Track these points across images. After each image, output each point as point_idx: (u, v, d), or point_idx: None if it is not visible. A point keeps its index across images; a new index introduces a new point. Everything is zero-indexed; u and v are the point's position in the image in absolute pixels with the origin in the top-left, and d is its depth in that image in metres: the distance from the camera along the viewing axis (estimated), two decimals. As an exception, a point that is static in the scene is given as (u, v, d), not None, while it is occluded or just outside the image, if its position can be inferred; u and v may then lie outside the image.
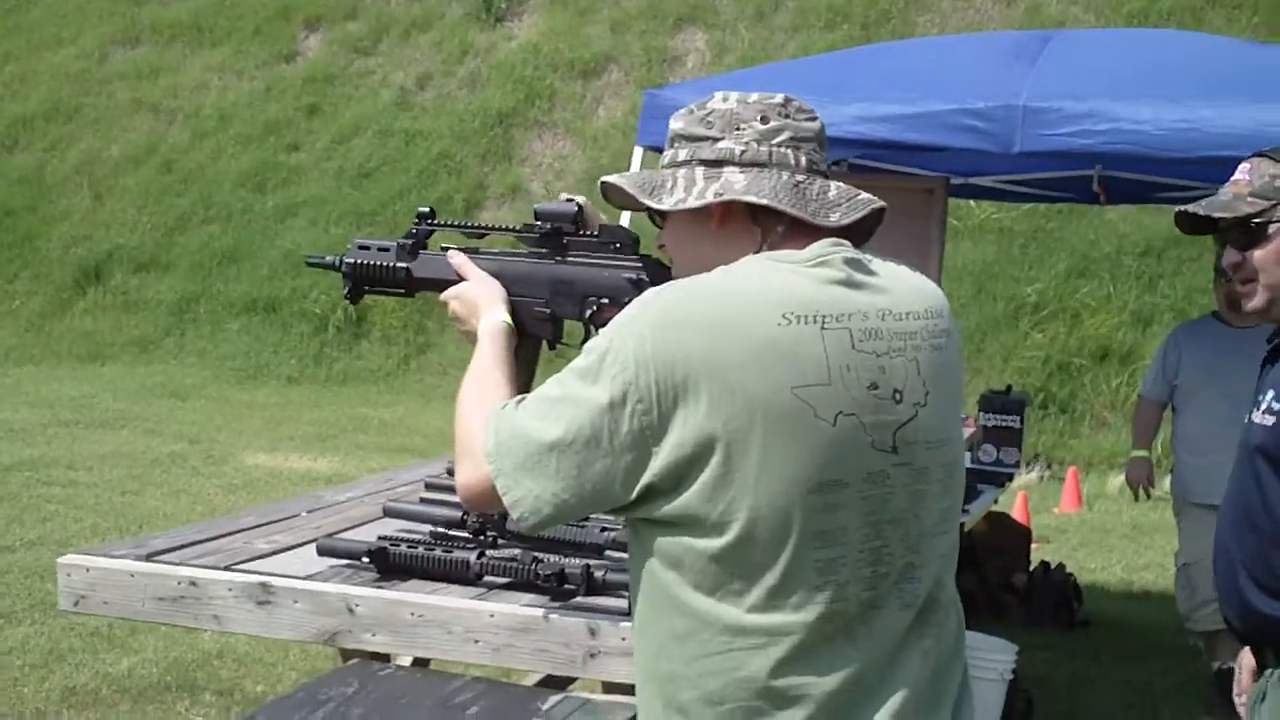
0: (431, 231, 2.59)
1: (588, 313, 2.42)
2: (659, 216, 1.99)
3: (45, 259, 17.15)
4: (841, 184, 1.92)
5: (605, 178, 2.01)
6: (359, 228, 15.97)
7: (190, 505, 8.83)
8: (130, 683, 5.51)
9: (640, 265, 2.40)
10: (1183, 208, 2.82)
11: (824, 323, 1.75)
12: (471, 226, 2.55)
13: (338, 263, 2.63)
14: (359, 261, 2.60)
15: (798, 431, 1.72)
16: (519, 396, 1.90)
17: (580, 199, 2.47)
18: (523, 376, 2.32)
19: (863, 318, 1.79)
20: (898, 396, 1.79)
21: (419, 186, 16.31)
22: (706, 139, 1.91)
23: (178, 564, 2.90)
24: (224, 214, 16.99)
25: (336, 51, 18.49)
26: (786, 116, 1.91)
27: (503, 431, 1.83)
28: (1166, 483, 6.50)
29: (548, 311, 2.44)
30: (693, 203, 1.88)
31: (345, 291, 2.63)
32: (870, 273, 1.85)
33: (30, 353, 15.69)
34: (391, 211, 16.12)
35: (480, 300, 2.30)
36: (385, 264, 2.59)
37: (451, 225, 2.59)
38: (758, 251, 1.87)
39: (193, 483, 9.72)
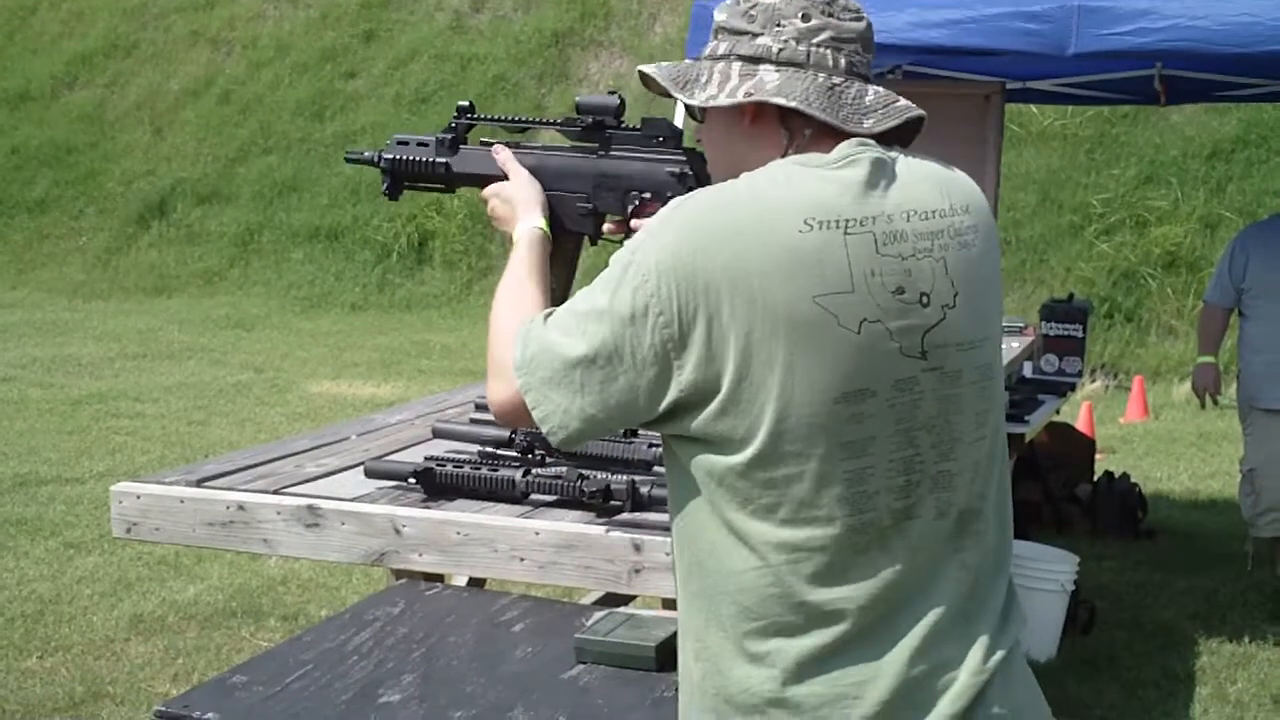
0: (471, 126, 2.55)
1: (629, 207, 2.39)
2: (698, 110, 1.95)
3: (109, 195, 17.29)
4: (881, 89, 1.86)
5: (641, 67, 1.97)
6: (418, 154, 15.95)
7: (255, 434, 8.90)
8: (196, 609, 5.59)
9: (684, 159, 2.36)
10: None
11: (847, 227, 1.71)
12: (512, 120, 2.52)
13: (376, 158, 2.59)
14: (398, 157, 2.56)
15: (822, 341, 1.68)
16: (548, 310, 1.88)
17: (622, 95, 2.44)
18: (564, 275, 2.31)
19: (887, 220, 1.74)
20: (925, 300, 1.74)
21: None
22: (746, 34, 1.85)
23: (226, 489, 2.92)
24: (283, 143, 17.03)
25: (390, -24, 18.41)
26: (829, 15, 1.84)
27: (530, 346, 1.81)
28: (1233, 391, 6.39)
29: (590, 206, 2.40)
30: (723, 101, 1.84)
31: (384, 188, 2.60)
32: (897, 172, 1.79)
33: (97, 288, 15.87)
34: (450, 137, 16.07)
35: (518, 203, 2.27)
36: (425, 159, 2.55)
37: (490, 120, 2.56)
38: (784, 155, 1.83)
39: (258, 412, 9.83)
